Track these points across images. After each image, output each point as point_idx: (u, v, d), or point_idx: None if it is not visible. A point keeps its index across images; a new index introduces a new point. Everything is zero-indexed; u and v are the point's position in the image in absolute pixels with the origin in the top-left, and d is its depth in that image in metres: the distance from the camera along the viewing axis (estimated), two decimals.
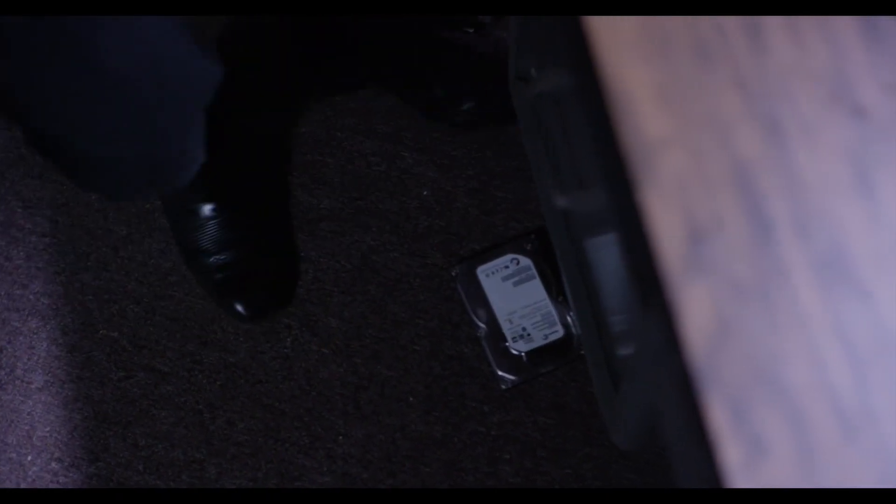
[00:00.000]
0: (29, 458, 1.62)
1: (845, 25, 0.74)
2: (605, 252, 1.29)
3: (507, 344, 1.62)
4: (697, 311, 0.69)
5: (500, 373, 1.62)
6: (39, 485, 1.61)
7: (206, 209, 1.61)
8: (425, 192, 1.71)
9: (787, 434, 0.67)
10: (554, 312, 1.62)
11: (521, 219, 1.70)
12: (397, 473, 1.60)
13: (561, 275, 1.48)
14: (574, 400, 1.63)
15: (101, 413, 1.63)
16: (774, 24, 0.74)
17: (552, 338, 1.62)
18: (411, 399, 1.63)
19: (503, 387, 1.62)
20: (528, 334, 1.62)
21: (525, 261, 1.64)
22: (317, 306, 1.67)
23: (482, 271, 1.64)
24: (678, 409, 0.73)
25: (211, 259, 1.62)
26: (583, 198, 1.16)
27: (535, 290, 1.63)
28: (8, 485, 1.61)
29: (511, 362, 1.62)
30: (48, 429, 1.63)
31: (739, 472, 0.66)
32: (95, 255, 1.70)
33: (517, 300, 1.63)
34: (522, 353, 1.62)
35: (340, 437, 1.62)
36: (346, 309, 1.66)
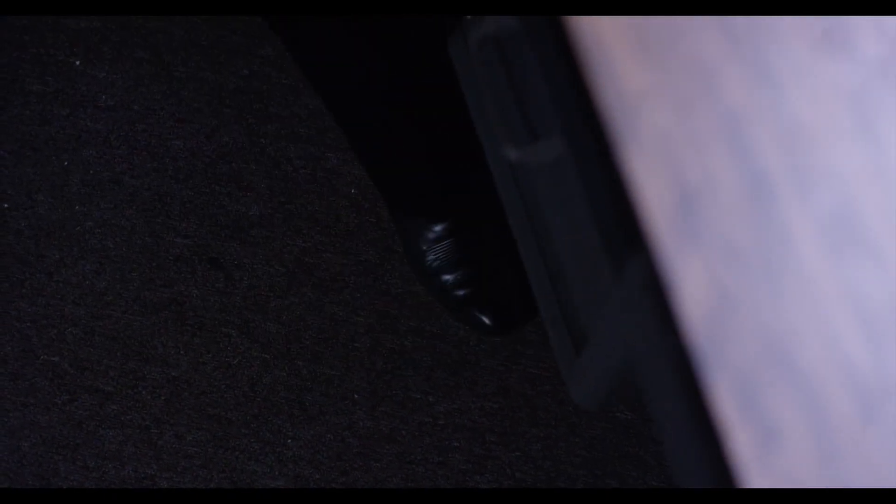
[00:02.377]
0: None
1: None
2: (568, 215, 1.24)
3: None
4: (694, 283, 0.60)
5: None
6: None
7: (438, 228, 1.60)
8: (353, 191, 1.72)
9: (802, 418, 0.59)
10: None
11: None
12: (349, 471, 1.61)
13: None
14: (517, 382, 1.64)
15: (49, 439, 1.63)
16: None
17: None
18: (356, 396, 1.64)
19: None
20: None
21: None
22: (254, 313, 1.67)
23: None
24: (675, 395, 0.64)
25: (449, 277, 1.61)
26: (537, 150, 1.11)
27: None
28: None
29: None
30: None
31: (752, 465, 0.58)
32: (29, 281, 1.70)
33: None
34: None
35: (289, 441, 1.62)
36: (283, 313, 1.67)
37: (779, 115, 0.63)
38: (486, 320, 1.61)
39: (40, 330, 1.68)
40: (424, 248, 1.61)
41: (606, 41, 0.64)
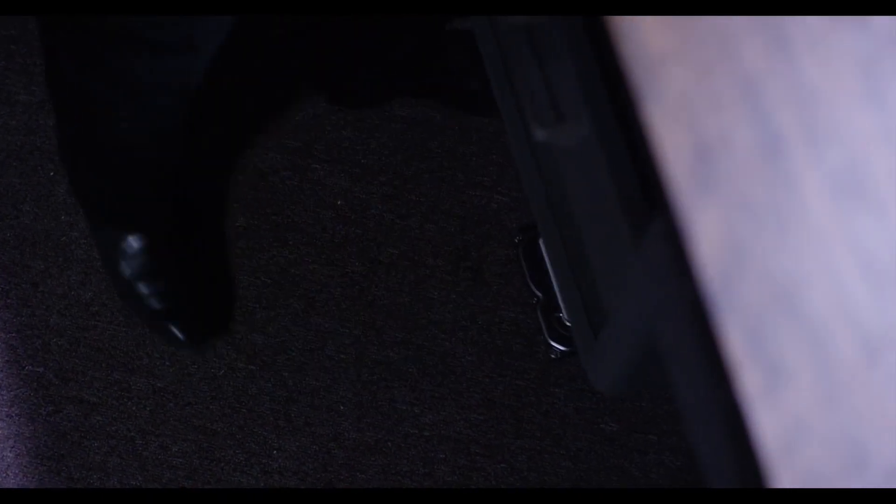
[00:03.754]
0: None
1: None
2: (589, 187, 1.24)
3: (560, 315, 1.63)
4: (708, 231, 0.64)
5: (551, 342, 1.63)
6: None
7: (135, 240, 1.61)
8: (339, 202, 1.72)
9: (807, 358, 0.62)
10: None
11: (437, 220, 1.72)
12: (334, 483, 1.61)
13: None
14: (503, 395, 1.65)
15: (33, 449, 1.63)
16: None
17: None
18: (342, 407, 1.64)
19: (552, 356, 1.63)
20: None
21: None
22: (240, 324, 1.67)
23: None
24: (688, 338, 0.68)
25: (144, 289, 1.62)
26: (562, 130, 1.12)
27: None
28: None
29: (563, 333, 1.62)
30: None
31: (759, 400, 0.61)
32: (15, 291, 1.69)
33: None
34: None
35: (275, 452, 1.62)
36: (269, 324, 1.67)
37: (793, 79, 0.67)
38: (178, 334, 1.63)
39: (25, 340, 1.67)
40: (121, 259, 1.62)
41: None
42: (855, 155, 0.66)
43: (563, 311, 1.59)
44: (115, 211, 1.62)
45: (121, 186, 1.57)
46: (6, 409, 1.64)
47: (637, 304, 0.97)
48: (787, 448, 0.61)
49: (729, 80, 0.67)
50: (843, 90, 0.67)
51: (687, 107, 0.67)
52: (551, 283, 1.63)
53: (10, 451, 1.63)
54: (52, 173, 1.74)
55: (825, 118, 0.67)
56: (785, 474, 0.61)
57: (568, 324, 1.60)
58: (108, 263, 1.65)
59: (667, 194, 0.66)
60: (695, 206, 0.65)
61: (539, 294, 1.65)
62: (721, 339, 0.63)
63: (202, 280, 1.67)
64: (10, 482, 1.61)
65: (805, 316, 0.63)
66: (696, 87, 0.67)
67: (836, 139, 0.66)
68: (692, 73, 0.68)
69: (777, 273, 0.64)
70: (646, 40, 0.68)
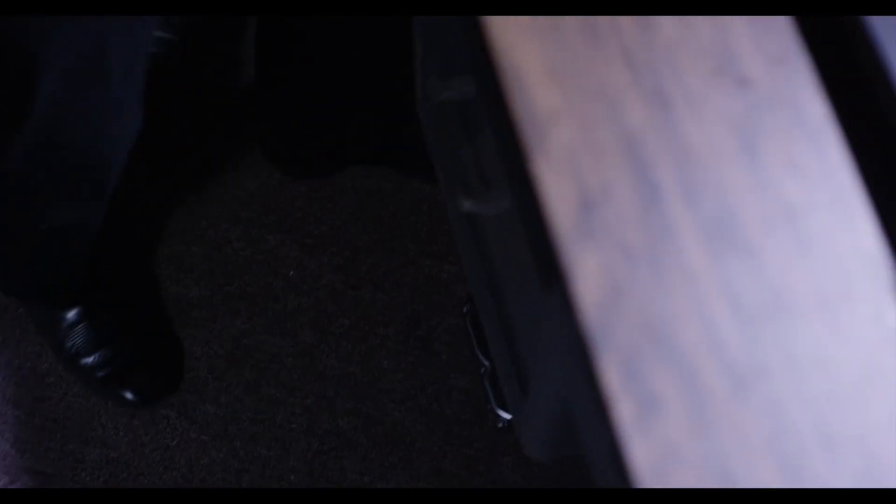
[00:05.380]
0: None
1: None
2: (512, 256, 1.28)
3: None
4: (590, 276, 0.70)
5: (497, 411, 1.64)
6: None
7: (71, 314, 1.64)
8: (291, 273, 1.74)
9: (679, 391, 0.68)
10: None
11: (388, 290, 1.73)
12: None
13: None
14: (451, 464, 1.65)
15: None
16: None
17: None
18: (293, 477, 1.65)
19: (499, 425, 1.64)
20: None
21: None
22: (193, 394, 1.69)
23: None
24: (577, 375, 0.74)
25: (88, 360, 1.65)
26: (488, 199, 1.17)
27: None
28: None
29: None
30: None
31: (632, 428, 0.67)
32: None
33: None
34: None
35: None
36: (222, 394, 1.69)
37: (671, 136, 0.74)
38: (129, 396, 1.67)
39: None
40: (61, 335, 1.66)
41: (524, 67, 0.75)
42: (728, 206, 0.72)
43: (501, 380, 1.60)
44: (44, 292, 1.64)
45: (43, 269, 1.59)
46: None
47: (545, 362, 1.00)
48: (659, 473, 0.67)
49: (612, 136, 0.73)
50: (718, 146, 0.73)
51: (571, 159, 0.73)
52: None
53: None
54: None
55: (701, 171, 0.73)
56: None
57: None
58: (48, 339, 1.68)
59: (552, 241, 0.71)
60: (576, 251, 0.71)
61: (486, 363, 1.66)
62: (599, 373, 0.68)
63: (146, 340, 1.70)
64: None
65: (677, 351, 0.69)
66: (580, 141, 0.73)
67: (711, 192, 0.72)
68: (577, 127, 0.73)
69: (652, 312, 0.70)
70: (534, 98, 0.74)
